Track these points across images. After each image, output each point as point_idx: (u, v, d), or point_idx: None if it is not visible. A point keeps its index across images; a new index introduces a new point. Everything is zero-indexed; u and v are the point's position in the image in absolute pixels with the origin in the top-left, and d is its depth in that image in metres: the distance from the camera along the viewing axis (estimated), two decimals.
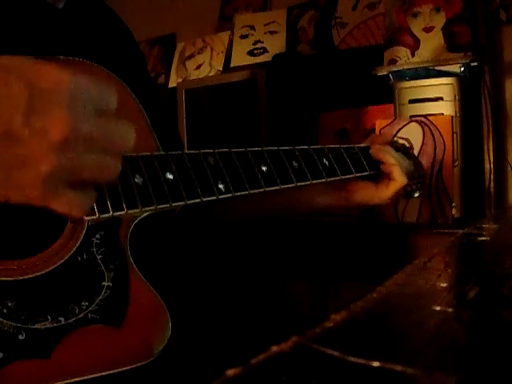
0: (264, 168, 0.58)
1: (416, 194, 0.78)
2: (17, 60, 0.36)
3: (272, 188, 0.58)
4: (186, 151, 0.52)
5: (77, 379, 0.42)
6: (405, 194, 0.76)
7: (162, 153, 0.51)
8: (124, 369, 0.44)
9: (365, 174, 0.71)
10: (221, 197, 0.52)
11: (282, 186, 0.59)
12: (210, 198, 0.51)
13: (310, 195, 0.75)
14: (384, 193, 0.72)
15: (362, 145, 0.74)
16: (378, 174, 0.72)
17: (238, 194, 0.54)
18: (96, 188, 0.39)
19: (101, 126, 0.37)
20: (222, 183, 0.53)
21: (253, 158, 0.58)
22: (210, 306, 0.84)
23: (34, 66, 0.36)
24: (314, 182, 0.63)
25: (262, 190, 0.57)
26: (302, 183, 0.62)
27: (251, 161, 0.57)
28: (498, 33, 1.29)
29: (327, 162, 0.66)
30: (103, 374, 0.43)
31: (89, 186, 0.38)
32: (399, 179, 0.70)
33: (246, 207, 0.75)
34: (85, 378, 0.43)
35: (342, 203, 0.75)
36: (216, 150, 0.55)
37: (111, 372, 0.44)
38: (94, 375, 0.43)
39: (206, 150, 0.54)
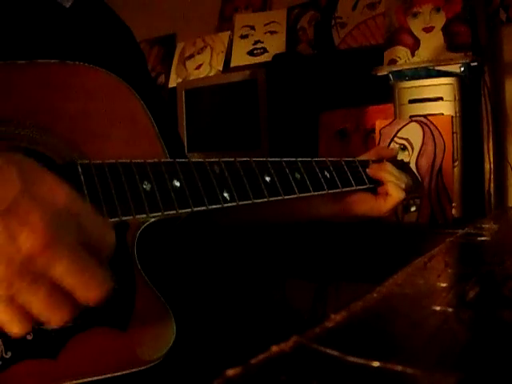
0: (268, 178, 0.58)
1: (413, 209, 0.83)
2: (19, 157, 0.35)
3: (275, 198, 0.58)
4: (192, 159, 0.53)
5: (83, 380, 0.42)
6: (403, 208, 0.80)
7: (170, 160, 0.51)
8: (128, 371, 0.44)
9: (364, 187, 0.72)
10: (226, 205, 0.52)
11: (286, 197, 0.59)
12: (215, 206, 0.51)
13: (309, 205, 0.76)
14: (382, 206, 0.74)
15: (362, 158, 0.76)
16: (377, 188, 0.74)
17: (242, 202, 0.54)
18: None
19: (75, 263, 0.34)
20: (227, 192, 0.53)
21: (257, 168, 0.58)
22: (211, 306, 0.84)
23: (35, 169, 0.35)
24: (316, 193, 0.64)
25: (265, 199, 0.57)
26: (304, 194, 0.62)
27: (255, 171, 0.58)
28: (498, 33, 1.29)
29: (328, 174, 0.67)
30: (108, 376, 0.43)
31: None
32: (396, 195, 0.72)
33: (242, 214, 0.75)
34: (90, 379, 0.43)
35: (340, 214, 0.76)
36: (221, 159, 0.55)
37: (116, 374, 0.44)
38: (100, 377, 0.43)
39: (211, 159, 0.54)
